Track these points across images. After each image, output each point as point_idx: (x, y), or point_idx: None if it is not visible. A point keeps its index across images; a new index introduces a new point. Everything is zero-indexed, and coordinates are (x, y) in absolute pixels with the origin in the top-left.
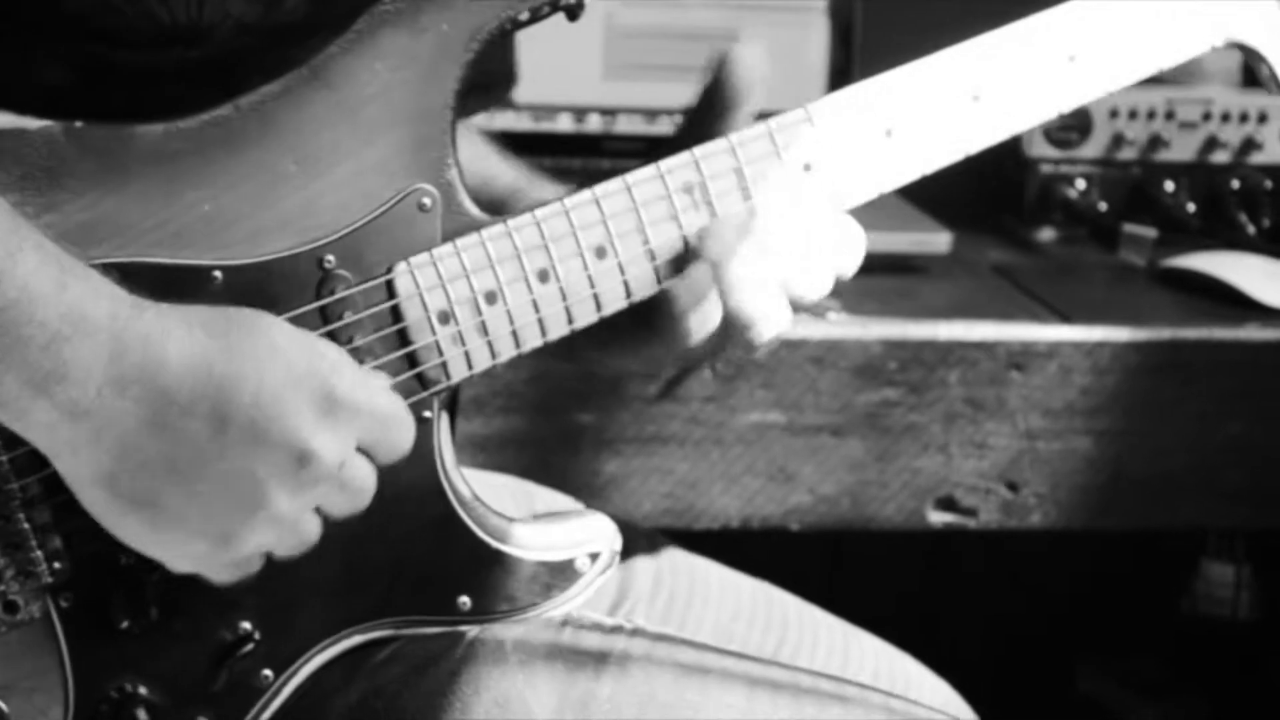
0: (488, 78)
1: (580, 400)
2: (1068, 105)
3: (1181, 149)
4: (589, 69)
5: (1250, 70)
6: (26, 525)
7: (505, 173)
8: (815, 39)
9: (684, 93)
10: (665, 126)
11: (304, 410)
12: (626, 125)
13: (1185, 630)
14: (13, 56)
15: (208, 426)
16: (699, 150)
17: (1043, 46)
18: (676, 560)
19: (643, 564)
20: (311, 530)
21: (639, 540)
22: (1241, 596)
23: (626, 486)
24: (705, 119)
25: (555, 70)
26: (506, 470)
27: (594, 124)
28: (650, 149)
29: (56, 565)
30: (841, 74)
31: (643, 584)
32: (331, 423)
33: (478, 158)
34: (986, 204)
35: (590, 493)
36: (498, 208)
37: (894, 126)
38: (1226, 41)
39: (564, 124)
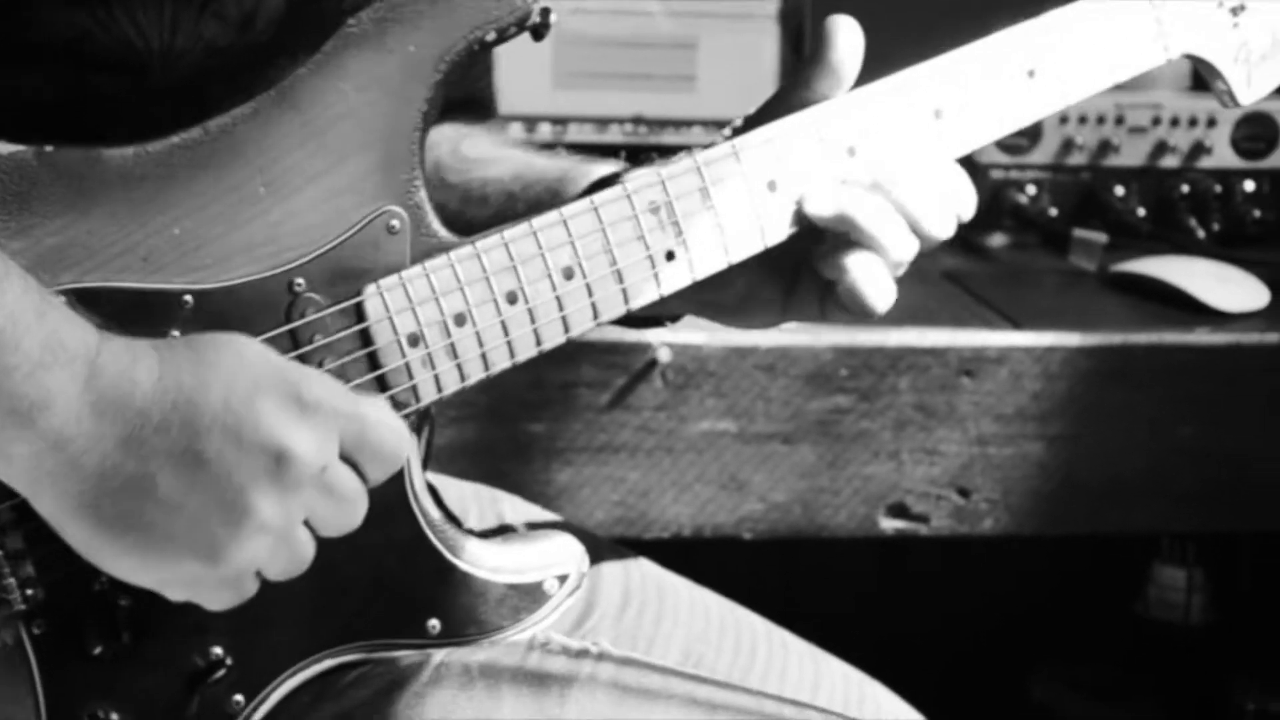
0: (469, 101)
1: (531, 410)
2: (1028, 119)
3: (1131, 154)
4: (539, 78)
5: (1199, 75)
6: None
7: (549, 164)
8: (767, 45)
9: (635, 101)
10: (616, 135)
11: (275, 411)
12: (577, 134)
13: (1138, 634)
14: None
15: (182, 438)
16: (665, 170)
17: (1003, 63)
18: (646, 574)
19: (610, 577)
20: (304, 545)
21: (605, 552)
22: (1194, 600)
23: (578, 496)
24: (800, 90)
25: (505, 80)
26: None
27: (545, 133)
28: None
29: (29, 592)
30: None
31: (610, 598)
32: (308, 423)
33: (513, 159)
34: None
35: (542, 502)
36: (553, 198)
37: (856, 145)
38: (1181, 54)
39: (515, 133)
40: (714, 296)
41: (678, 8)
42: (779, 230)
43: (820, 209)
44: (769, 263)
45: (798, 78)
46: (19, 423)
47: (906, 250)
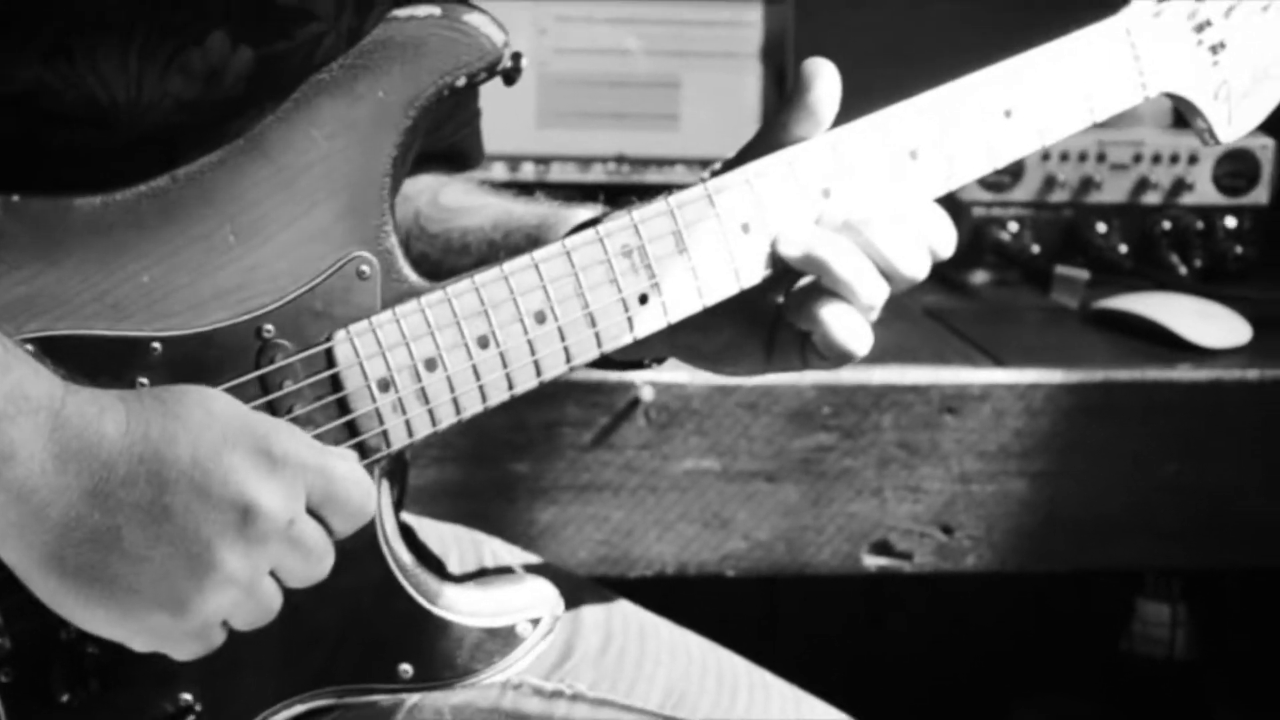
0: (449, 151)
1: (514, 449)
2: (1005, 159)
3: (1113, 191)
4: (523, 117)
5: (1180, 112)
6: None
7: (528, 211)
8: (749, 84)
9: (618, 140)
10: (599, 174)
11: (242, 466)
12: (560, 173)
13: (1122, 670)
14: None
15: (149, 491)
16: (638, 213)
17: (980, 103)
18: (627, 616)
19: (591, 620)
20: (271, 597)
21: (586, 594)
22: (1178, 636)
23: (562, 535)
24: (778, 132)
25: (489, 119)
26: (441, 521)
27: (528, 172)
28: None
29: None
30: None
31: (591, 641)
32: (275, 479)
33: (491, 207)
34: None
35: (525, 542)
36: (533, 245)
37: (831, 186)
38: (1160, 92)
39: (498, 172)
40: (696, 342)
41: (660, 47)
42: (754, 272)
43: (790, 250)
44: (750, 314)
45: (776, 119)
46: None
47: (877, 293)
